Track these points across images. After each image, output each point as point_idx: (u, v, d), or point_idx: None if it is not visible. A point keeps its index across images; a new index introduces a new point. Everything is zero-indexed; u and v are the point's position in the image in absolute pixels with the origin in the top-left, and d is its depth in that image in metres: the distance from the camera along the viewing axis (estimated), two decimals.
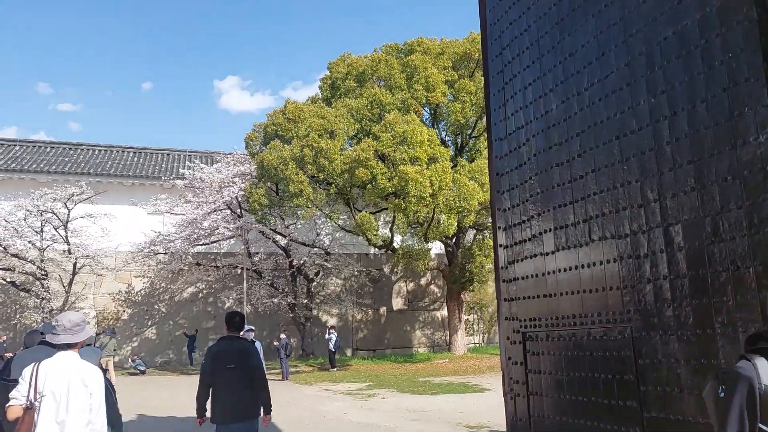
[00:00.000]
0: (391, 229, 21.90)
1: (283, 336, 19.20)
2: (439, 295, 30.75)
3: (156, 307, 26.16)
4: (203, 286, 26.75)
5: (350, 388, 15.29)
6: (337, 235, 27.07)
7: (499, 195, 3.83)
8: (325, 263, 25.82)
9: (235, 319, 6.04)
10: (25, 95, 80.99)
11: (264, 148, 20.86)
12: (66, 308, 22.76)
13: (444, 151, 19.27)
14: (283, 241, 25.14)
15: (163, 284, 26.32)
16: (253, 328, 9.11)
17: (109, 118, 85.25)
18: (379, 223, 24.51)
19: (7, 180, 24.13)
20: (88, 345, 5.65)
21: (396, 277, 30.45)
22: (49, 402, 3.71)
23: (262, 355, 8.61)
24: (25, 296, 23.12)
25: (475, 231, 25.36)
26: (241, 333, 6.50)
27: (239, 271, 25.83)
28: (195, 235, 23.67)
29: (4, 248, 21.06)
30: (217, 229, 23.36)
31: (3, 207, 21.31)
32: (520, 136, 3.80)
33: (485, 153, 22.23)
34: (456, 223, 20.84)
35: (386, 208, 23.83)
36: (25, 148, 27.94)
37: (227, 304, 26.92)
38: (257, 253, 25.95)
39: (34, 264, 21.90)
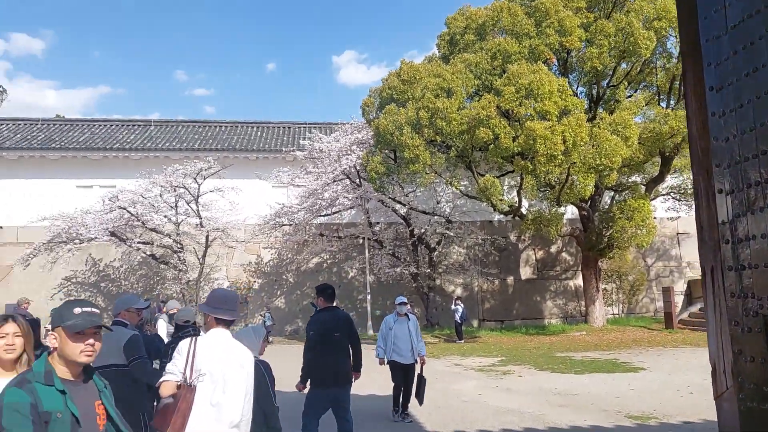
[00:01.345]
0: (518, 193, 20.29)
1: (408, 306, 18.46)
2: (572, 263, 28.63)
3: (284, 277, 26.68)
4: (327, 256, 26.85)
5: (481, 363, 14.20)
6: (458, 202, 25.86)
7: (715, 118, 2.49)
8: (447, 232, 24.78)
9: (328, 291, 6.49)
10: (164, 83, 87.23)
11: (380, 113, 20.03)
12: (201, 279, 23.77)
13: (577, 102, 17.28)
14: (402, 210, 24.42)
15: (289, 255, 26.75)
16: (406, 300, 8.77)
17: (239, 100, 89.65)
18: (504, 187, 22.95)
19: (144, 159, 25.47)
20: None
21: (523, 245, 28.74)
22: (205, 381, 3.45)
23: (418, 330, 8.77)
24: (164, 268, 24.42)
25: (613, 192, 23.01)
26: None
27: (361, 241, 25.56)
28: (317, 206, 23.60)
29: (143, 223, 22.20)
30: (338, 199, 23.09)
31: (141, 184, 22.42)
32: (754, 26, 2.43)
33: (626, 103, 19.79)
34: (593, 184, 18.80)
35: (512, 171, 22.20)
36: (159, 127, 29.43)
37: (351, 274, 26.86)
38: (378, 223, 25.49)
39: (170, 237, 22.97)
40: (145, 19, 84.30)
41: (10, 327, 3.10)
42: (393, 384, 8.66)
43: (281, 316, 25.62)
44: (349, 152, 21.66)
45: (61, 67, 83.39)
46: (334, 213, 25.10)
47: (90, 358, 2.56)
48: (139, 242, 22.47)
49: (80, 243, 21.65)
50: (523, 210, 21.33)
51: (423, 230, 24.65)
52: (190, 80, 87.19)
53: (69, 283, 24.92)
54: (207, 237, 23.46)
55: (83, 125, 28.99)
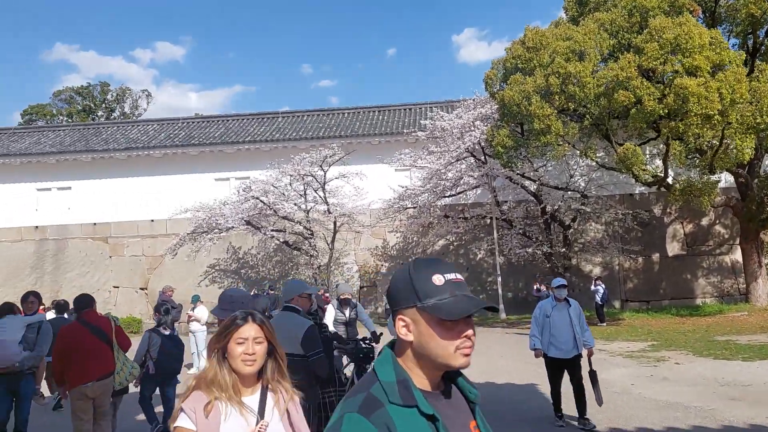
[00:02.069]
0: (663, 162, 18.33)
1: (543, 288, 17.46)
2: (726, 236, 25.72)
3: (410, 260, 26.45)
4: (453, 238, 26.29)
5: (630, 349, 12.93)
6: (593, 175, 24.05)
7: None
8: (583, 207, 23.15)
9: None
10: (291, 78, 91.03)
11: (504, 85, 18.98)
12: (331, 264, 24.26)
13: (734, 55, 15.13)
14: (532, 186, 23.17)
15: (414, 238, 26.53)
16: (565, 282, 7.53)
17: (362, 88, 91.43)
18: (646, 156, 20.93)
19: (273, 149, 26.38)
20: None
21: (669, 219, 26.24)
22: None
23: (582, 317, 7.45)
24: (297, 254, 25.22)
25: None
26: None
27: (488, 221, 24.66)
28: (440, 187, 23.08)
29: (275, 211, 23.01)
30: (462, 178, 22.39)
31: (271, 174, 23.23)
32: None
33: None
34: (752, 147, 16.48)
35: (653, 138, 20.17)
36: (286, 118, 30.40)
37: (479, 256, 26.10)
38: (505, 202, 24.44)
39: (301, 224, 23.64)
40: (272, 18, 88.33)
41: (250, 329, 2.40)
42: (550, 384, 7.42)
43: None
44: (472, 128, 20.82)
45: (201, 70, 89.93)
46: (458, 193, 24.42)
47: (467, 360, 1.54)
48: (272, 230, 23.35)
49: (219, 232, 22.90)
50: (669, 180, 19.29)
51: (556, 207, 23.23)
52: (315, 73, 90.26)
53: (213, 270, 26.57)
54: (335, 223, 23.86)
55: (218, 121, 30.69)
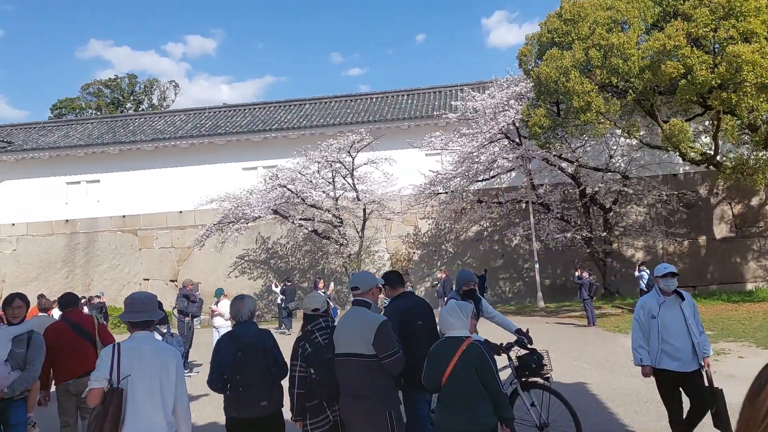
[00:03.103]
0: (714, 137, 17.08)
1: (585, 274, 16.49)
2: None
3: (443, 247, 25.74)
4: (487, 223, 25.38)
5: None
6: (635, 155, 22.83)
7: None
8: (624, 189, 21.99)
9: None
10: (321, 67, 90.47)
11: (539, 62, 17.92)
12: (362, 252, 23.61)
13: None
14: (570, 168, 22.08)
15: (447, 224, 25.71)
16: (675, 270, 5.31)
17: (391, 75, 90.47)
18: (691, 133, 19.63)
19: (301, 137, 25.78)
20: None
21: (716, 200, 24.82)
22: (135, 383, 3.56)
23: (697, 314, 5.56)
24: (327, 243, 24.65)
25: None
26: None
27: (524, 205, 23.68)
28: (473, 171, 22.16)
29: (303, 199, 22.43)
30: (496, 161, 21.43)
31: (298, 162, 22.64)
32: None
33: None
34: None
35: (699, 114, 18.91)
36: (313, 105, 29.76)
37: (514, 242, 25.15)
38: (541, 185, 23.41)
39: (330, 212, 23.03)
40: (301, 7, 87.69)
41: None
42: (667, 408, 5.54)
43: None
44: (506, 108, 19.82)
45: (232, 62, 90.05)
46: (492, 177, 23.48)
47: None
48: (300, 219, 22.79)
49: (246, 222, 22.43)
50: (719, 158, 18.02)
51: (595, 189, 22.13)
52: (345, 61, 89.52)
53: (242, 261, 26.23)
54: (364, 210, 23.18)
55: (245, 110, 30.23)
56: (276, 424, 4.61)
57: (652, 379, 5.48)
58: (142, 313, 3.78)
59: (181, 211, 26.44)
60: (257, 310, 5.55)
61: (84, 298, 19.36)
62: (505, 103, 19.85)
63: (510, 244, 25.31)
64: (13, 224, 27.12)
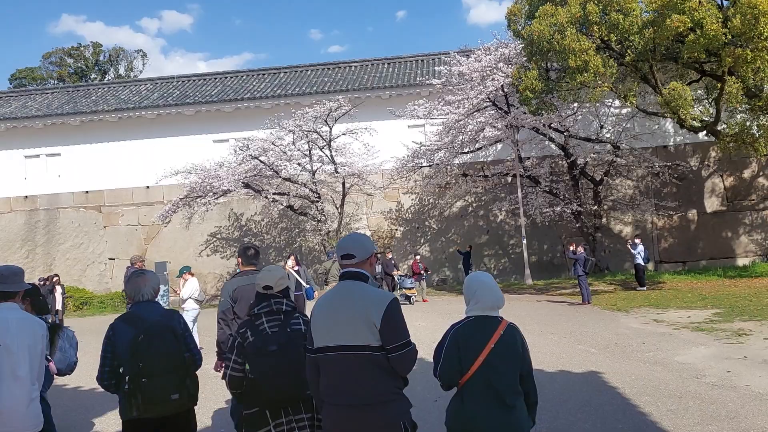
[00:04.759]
0: (716, 102, 16.01)
1: (580, 249, 15.44)
2: None
3: (426, 223, 24.59)
4: (472, 198, 24.27)
5: (692, 319, 10.86)
6: (626, 125, 21.85)
7: None
8: (617, 159, 20.98)
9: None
10: (300, 44, 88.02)
11: (531, 22, 16.62)
12: (341, 230, 22.35)
13: None
14: (560, 139, 21.01)
15: (431, 200, 24.54)
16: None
17: (371, 53, 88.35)
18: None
19: (275, 107, 24.25)
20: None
21: (707, 172, 23.96)
22: (3, 354, 3.51)
23: None
24: (304, 220, 23.34)
25: None
26: None
27: (510, 179, 22.59)
28: (458, 142, 20.92)
29: (276, 172, 21.02)
30: (482, 131, 20.21)
31: (271, 132, 21.17)
32: None
33: None
34: None
35: (696, 81, 17.86)
36: (288, 73, 28.17)
37: (500, 218, 24.08)
38: (528, 158, 22.32)
39: (306, 187, 21.66)
40: None
41: None
42: None
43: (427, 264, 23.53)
44: (494, 71, 18.54)
45: (208, 39, 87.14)
46: (478, 149, 22.28)
47: None
48: (275, 193, 21.39)
49: (215, 196, 20.97)
50: (719, 126, 17.01)
51: (585, 160, 21.07)
52: (325, 38, 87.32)
53: (214, 239, 24.82)
54: (343, 184, 21.86)
55: (215, 79, 28.54)
56: (186, 424, 3.74)
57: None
58: (4, 284, 3.66)
59: (148, 187, 24.85)
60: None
61: (43, 280, 17.90)
62: (494, 66, 18.58)
63: (495, 219, 24.24)
64: None
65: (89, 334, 11.27)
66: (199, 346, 4.03)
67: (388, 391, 2.87)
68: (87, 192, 25.26)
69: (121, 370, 3.57)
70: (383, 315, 2.81)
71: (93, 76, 43.80)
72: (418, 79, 24.20)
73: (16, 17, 78.82)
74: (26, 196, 25.37)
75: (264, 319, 3.43)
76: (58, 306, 16.25)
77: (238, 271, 5.39)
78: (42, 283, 18.01)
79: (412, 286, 17.66)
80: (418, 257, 19.37)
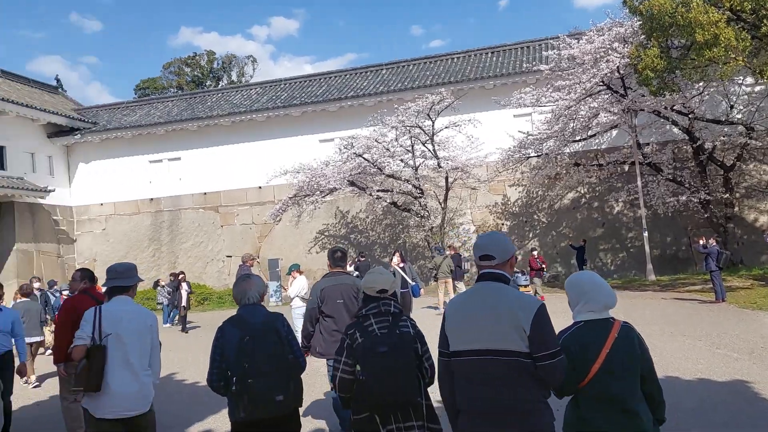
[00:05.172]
0: None
1: (712, 242, 14.04)
2: None
3: (535, 217, 23.59)
4: (585, 189, 22.96)
5: None
6: (760, 104, 19.65)
7: None
8: (750, 142, 18.94)
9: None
10: (401, 41, 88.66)
11: None
12: (445, 225, 21.96)
13: None
14: (683, 122, 19.29)
15: (539, 192, 23.51)
16: None
17: (473, 45, 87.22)
18: None
19: (378, 103, 24.28)
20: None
21: None
22: (116, 342, 3.92)
23: None
24: (407, 216, 23.19)
25: None
26: None
27: (627, 167, 21.10)
28: (569, 130, 19.81)
29: (380, 169, 20.99)
30: (596, 117, 18.99)
31: (374, 129, 21.18)
32: None
33: None
34: None
35: None
36: (390, 69, 28.14)
37: (616, 209, 22.60)
38: (647, 144, 20.72)
39: (409, 183, 21.48)
40: None
41: None
42: None
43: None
44: (608, 53, 17.30)
45: (314, 42, 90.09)
46: (590, 137, 21.02)
47: None
48: (379, 190, 21.38)
49: (322, 195, 21.31)
50: None
51: (713, 145, 19.20)
52: (426, 33, 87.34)
53: (323, 236, 25.32)
54: (446, 178, 21.43)
55: (320, 79, 29.09)
56: (294, 426, 3.86)
57: None
58: (119, 279, 4.16)
59: (260, 187, 25.82)
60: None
61: (174, 275, 19.09)
62: (608, 47, 17.32)
63: (611, 211, 22.77)
64: (102, 204, 27.59)
65: (209, 329, 11.72)
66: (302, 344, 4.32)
67: (534, 399, 2.70)
68: (205, 193, 26.69)
69: (229, 372, 3.66)
70: (533, 321, 2.67)
71: (208, 83, 46.53)
72: (524, 66, 23.21)
73: (139, 32, 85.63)
74: (151, 199, 27.23)
75: (372, 320, 3.40)
76: (183, 302, 17.17)
77: (327, 272, 5.68)
78: (171, 278, 19.25)
79: (526, 283, 16.74)
80: (536, 252, 18.25)
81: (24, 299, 10.25)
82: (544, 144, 20.59)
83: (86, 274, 5.92)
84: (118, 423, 3.92)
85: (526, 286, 16.68)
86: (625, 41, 17.31)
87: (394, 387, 3.16)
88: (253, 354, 3.59)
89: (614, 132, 21.39)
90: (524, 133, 21.17)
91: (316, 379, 7.59)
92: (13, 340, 6.67)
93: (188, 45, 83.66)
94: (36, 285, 11.08)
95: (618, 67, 17.16)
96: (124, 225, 27.35)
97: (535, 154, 21.30)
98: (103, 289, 6.20)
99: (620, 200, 21.20)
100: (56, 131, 27.10)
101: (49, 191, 25.02)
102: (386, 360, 3.20)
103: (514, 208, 23.83)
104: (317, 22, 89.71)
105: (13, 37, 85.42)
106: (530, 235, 23.51)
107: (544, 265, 18.10)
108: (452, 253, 17.86)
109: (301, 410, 4.05)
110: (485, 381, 2.70)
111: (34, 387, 9.82)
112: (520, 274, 17.42)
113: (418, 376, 3.32)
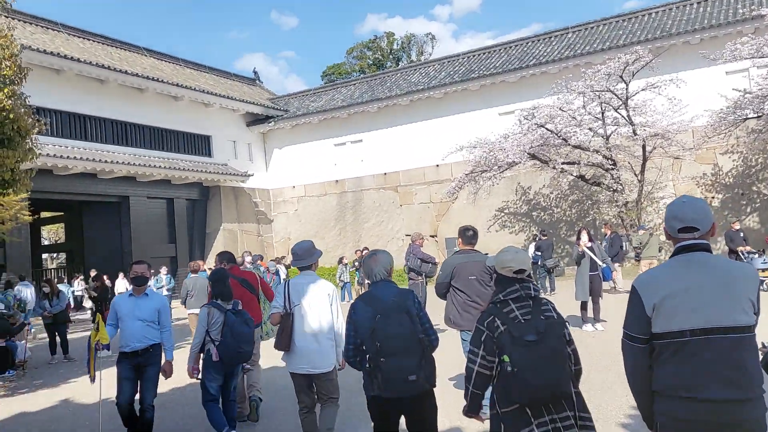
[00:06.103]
0: None
1: None
2: None
3: (754, 188, 20.14)
4: None
5: None
6: None
7: None
8: None
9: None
10: (589, 2, 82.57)
11: None
12: (642, 200, 19.65)
13: None
14: None
15: (759, 159, 20.00)
16: None
17: None
18: None
19: (563, 69, 22.47)
20: None
21: None
22: (302, 310, 4.74)
23: None
24: (597, 190, 21.23)
25: None
26: None
27: None
28: None
29: (564, 140, 19.35)
30: None
31: (559, 97, 19.54)
32: None
33: None
34: None
35: None
36: (577, 33, 25.93)
37: None
38: None
39: (599, 153, 19.54)
40: None
41: None
42: None
43: (757, 239, 19.20)
44: None
45: (497, 16, 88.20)
46: None
47: None
48: (563, 163, 19.79)
49: (500, 170, 20.29)
50: None
51: None
52: None
53: (502, 213, 24.36)
54: (644, 147, 19.08)
55: (500, 49, 27.86)
56: (429, 406, 3.83)
57: None
58: (303, 260, 4.89)
59: (437, 165, 25.57)
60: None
61: (359, 252, 19.98)
62: None
63: None
64: (294, 186, 29.53)
65: None
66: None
67: (762, 382, 2.49)
68: (385, 174, 27.18)
69: (363, 347, 3.77)
70: (758, 291, 2.56)
71: (388, 64, 47.45)
72: (738, 13, 19.77)
73: (331, 22, 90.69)
74: (336, 181, 28.46)
75: (513, 306, 3.10)
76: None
77: (456, 249, 6.03)
78: (357, 255, 20.09)
79: (765, 266, 14.01)
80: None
81: (194, 275, 11.08)
82: (766, 102, 17.32)
83: (224, 257, 6.51)
84: (304, 378, 4.75)
85: (765, 270, 13.88)
86: None
87: (553, 379, 2.92)
88: (385, 333, 3.64)
89: None
90: (740, 91, 18.04)
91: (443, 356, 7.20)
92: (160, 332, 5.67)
93: (374, 31, 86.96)
94: (248, 259, 12.03)
95: None
96: (313, 206, 28.97)
97: (755, 115, 18.05)
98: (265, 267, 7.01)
99: None
100: (253, 120, 29.53)
101: (249, 176, 27.40)
102: (538, 349, 2.94)
103: (727, 179, 20.59)
104: None
105: (224, 39, 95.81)
106: (748, 210, 20.15)
107: None
108: (610, 233, 16.19)
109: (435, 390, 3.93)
110: (717, 363, 2.43)
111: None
112: (756, 256, 14.73)
113: (569, 364, 3.08)
